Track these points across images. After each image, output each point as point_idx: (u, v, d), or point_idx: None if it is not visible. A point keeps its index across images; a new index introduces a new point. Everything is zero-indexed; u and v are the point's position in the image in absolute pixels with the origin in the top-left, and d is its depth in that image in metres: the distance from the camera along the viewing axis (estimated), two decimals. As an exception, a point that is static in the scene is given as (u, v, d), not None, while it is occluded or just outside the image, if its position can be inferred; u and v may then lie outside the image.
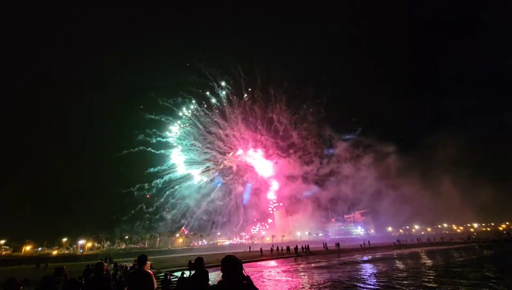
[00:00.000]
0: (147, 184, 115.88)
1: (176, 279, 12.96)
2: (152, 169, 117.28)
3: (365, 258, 38.65)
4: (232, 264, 2.79)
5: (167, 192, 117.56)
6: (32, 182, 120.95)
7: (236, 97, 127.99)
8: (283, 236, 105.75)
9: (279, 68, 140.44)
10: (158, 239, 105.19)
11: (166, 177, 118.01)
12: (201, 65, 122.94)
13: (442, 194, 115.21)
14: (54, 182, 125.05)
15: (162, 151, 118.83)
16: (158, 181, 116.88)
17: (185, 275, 10.95)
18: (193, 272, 5.96)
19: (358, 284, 17.49)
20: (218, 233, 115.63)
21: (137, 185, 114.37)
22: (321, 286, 17.44)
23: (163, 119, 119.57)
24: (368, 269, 26.60)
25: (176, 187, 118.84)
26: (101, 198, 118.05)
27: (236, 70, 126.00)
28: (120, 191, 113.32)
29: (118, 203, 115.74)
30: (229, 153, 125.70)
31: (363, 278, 20.23)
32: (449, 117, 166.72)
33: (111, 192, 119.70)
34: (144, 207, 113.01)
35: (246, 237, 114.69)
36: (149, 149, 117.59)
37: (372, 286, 16.88)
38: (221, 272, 2.79)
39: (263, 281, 20.57)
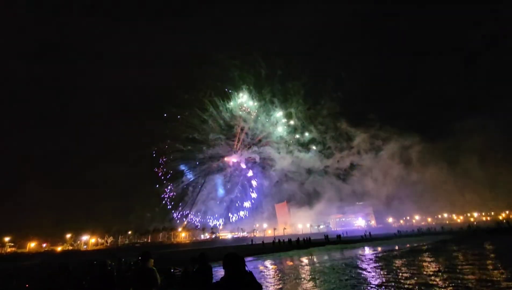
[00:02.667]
0: (174, 184, 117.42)
1: (180, 273, 13.10)
2: (181, 167, 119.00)
3: (366, 252, 39.04)
4: (234, 261, 2.78)
5: (190, 189, 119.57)
6: (52, 180, 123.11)
7: (256, 91, 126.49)
8: (284, 228, 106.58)
9: (298, 60, 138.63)
10: (161, 233, 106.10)
11: (194, 173, 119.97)
12: (222, 57, 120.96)
13: (448, 184, 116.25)
14: (77, 179, 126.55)
15: (189, 147, 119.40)
16: (186, 177, 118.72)
17: (188, 270, 11.03)
18: (196, 267, 6.00)
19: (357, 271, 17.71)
20: (220, 227, 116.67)
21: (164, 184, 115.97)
22: (322, 276, 17.66)
23: (186, 113, 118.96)
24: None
25: (201, 180, 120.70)
26: (122, 195, 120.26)
27: (256, 61, 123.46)
28: (145, 189, 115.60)
29: (141, 200, 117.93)
30: (252, 145, 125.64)
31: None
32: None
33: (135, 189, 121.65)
34: (169, 204, 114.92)
35: (248, 230, 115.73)
36: (177, 145, 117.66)
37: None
38: (223, 269, 2.78)
39: (266, 275, 20.81)
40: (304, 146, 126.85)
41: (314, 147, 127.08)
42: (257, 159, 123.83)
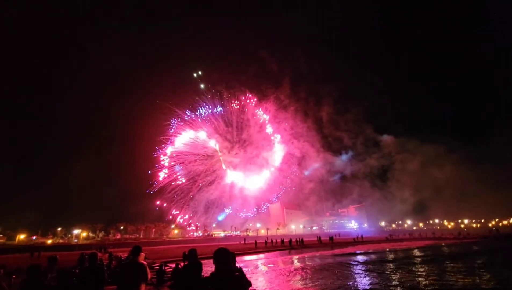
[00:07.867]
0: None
1: (171, 270, 13.10)
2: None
3: (357, 253, 39.34)
4: (224, 257, 2.78)
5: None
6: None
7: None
8: (277, 229, 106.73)
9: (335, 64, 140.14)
10: (154, 229, 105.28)
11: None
12: (263, 53, 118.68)
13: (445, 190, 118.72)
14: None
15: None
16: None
17: (179, 266, 11.04)
18: (186, 263, 6.01)
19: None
20: (214, 225, 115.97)
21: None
22: (311, 276, 17.77)
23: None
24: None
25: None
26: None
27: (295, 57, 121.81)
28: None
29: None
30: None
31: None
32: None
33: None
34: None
35: (241, 229, 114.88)
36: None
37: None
38: (213, 264, 2.79)
39: (257, 273, 20.87)
40: (336, 151, 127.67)
41: (345, 153, 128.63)
42: (298, 154, 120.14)
